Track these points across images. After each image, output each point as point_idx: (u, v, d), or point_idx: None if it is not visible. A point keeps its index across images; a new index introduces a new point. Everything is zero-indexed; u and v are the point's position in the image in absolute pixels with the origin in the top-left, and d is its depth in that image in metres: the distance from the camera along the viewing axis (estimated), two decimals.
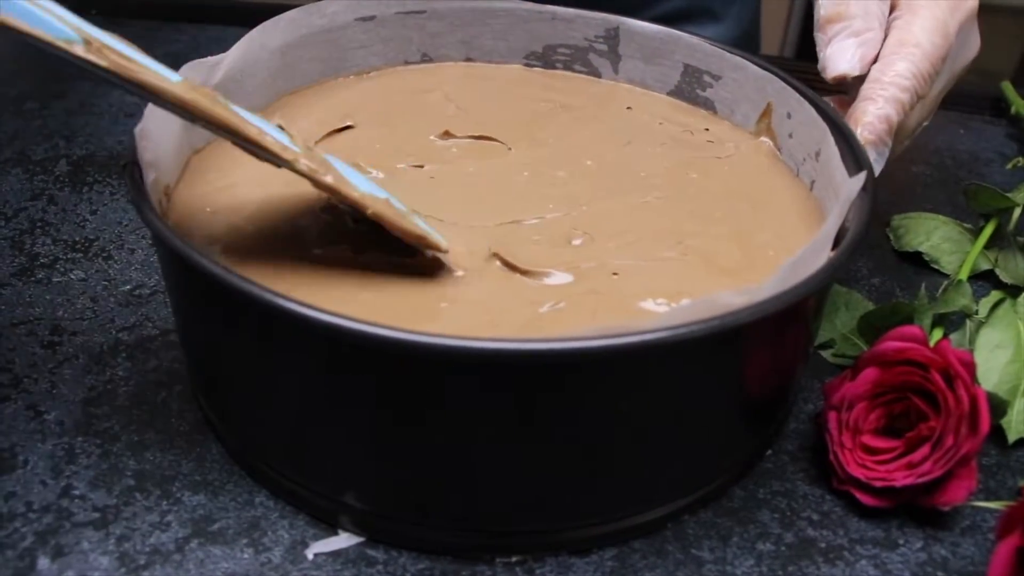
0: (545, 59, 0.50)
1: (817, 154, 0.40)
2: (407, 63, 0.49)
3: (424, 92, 0.47)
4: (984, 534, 0.35)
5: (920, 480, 0.33)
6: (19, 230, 0.47)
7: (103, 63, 0.29)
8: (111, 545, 0.32)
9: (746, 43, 0.76)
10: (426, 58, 0.49)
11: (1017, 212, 0.47)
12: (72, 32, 0.29)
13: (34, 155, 0.53)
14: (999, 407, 0.38)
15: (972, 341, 0.41)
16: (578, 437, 0.30)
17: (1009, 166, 0.57)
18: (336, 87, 0.47)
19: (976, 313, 0.42)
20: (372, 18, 0.47)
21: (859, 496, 0.34)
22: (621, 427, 0.30)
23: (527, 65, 0.50)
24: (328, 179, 0.33)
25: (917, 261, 0.49)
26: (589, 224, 0.38)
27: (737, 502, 0.35)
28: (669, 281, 0.35)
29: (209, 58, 0.39)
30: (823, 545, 0.34)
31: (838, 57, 0.41)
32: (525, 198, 0.39)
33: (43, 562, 0.32)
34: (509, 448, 0.30)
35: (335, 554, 0.32)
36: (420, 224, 0.35)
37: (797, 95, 0.42)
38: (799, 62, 0.71)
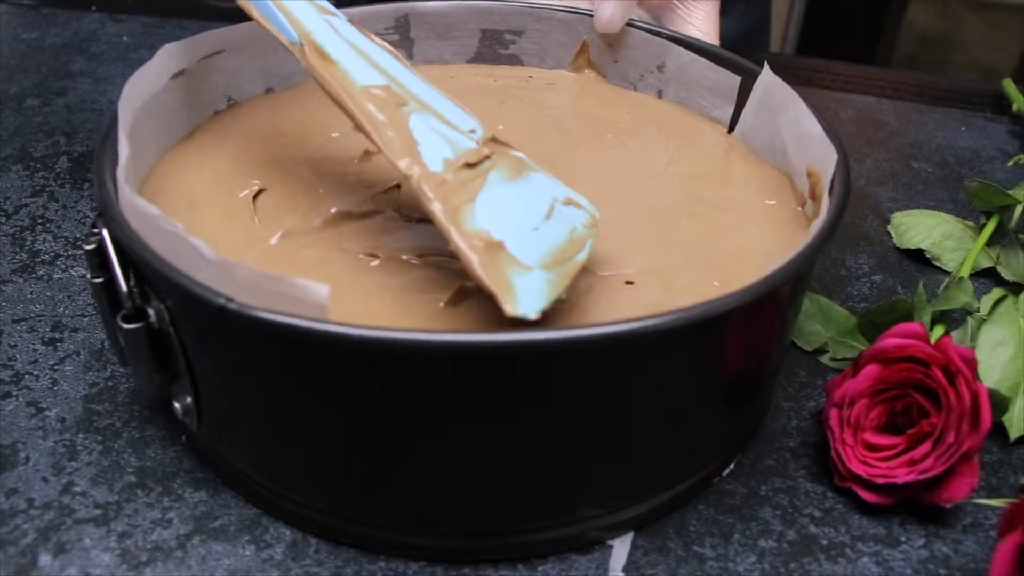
0: None
1: (660, 67, 0.43)
2: (216, 113, 0.43)
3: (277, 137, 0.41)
4: (986, 531, 0.35)
5: (922, 477, 0.33)
6: (20, 227, 0.47)
7: (302, 64, 0.34)
8: (112, 542, 0.32)
9: (751, 42, 0.76)
10: (231, 101, 0.43)
11: (1019, 209, 0.47)
12: (295, 34, 0.35)
13: (35, 152, 0.53)
14: (1001, 404, 0.38)
15: (974, 338, 0.41)
16: (578, 433, 0.30)
17: (1010, 163, 0.57)
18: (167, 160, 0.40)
19: (978, 310, 0.42)
20: (181, 73, 0.40)
21: (861, 493, 0.34)
22: (595, 420, 0.30)
23: None
24: (433, 207, 0.30)
25: (918, 258, 0.49)
26: None
27: (739, 499, 0.35)
28: None
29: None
30: (825, 542, 0.34)
31: (601, 8, 0.44)
32: None
33: (44, 559, 0.32)
34: (510, 445, 0.30)
35: (337, 551, 0.32)
36: (495, 282, 0.29)
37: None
38: (799, 58, 0.71)
